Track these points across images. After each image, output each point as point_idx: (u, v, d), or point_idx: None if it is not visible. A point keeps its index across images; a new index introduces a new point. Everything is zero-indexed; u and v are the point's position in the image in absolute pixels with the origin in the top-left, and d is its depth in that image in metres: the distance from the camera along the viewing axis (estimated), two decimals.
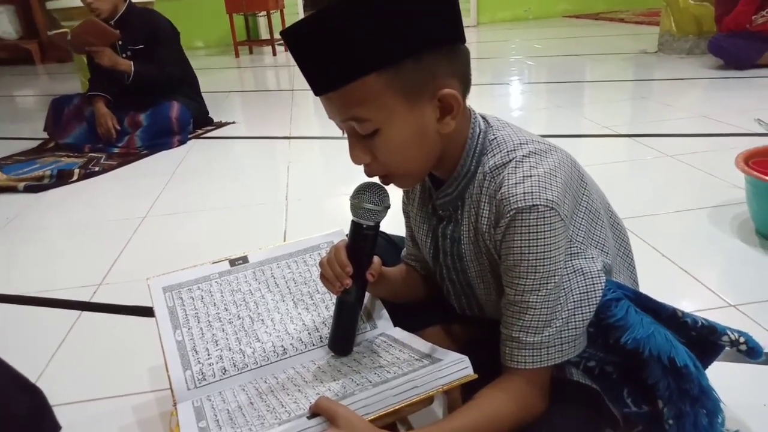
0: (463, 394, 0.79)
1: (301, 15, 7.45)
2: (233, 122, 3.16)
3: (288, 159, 2.49)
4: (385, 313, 0.93)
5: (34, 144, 2.96)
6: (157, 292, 0.95)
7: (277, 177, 2.25)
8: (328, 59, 0.62)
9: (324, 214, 1.88)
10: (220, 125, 3.09)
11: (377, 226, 0.78)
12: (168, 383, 0.84)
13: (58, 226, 1.94)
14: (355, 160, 0.69)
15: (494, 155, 0.70)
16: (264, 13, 6.14)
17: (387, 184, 0.74)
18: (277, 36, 6.19)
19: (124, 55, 2.69)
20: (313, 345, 0.90)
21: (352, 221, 0.78)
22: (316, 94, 0.67)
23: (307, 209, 1.91)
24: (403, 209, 0.90)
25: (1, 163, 2.55)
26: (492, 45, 5.54)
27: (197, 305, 0.95)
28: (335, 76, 0.62)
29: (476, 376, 0.70)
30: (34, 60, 6.81)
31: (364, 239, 0.78)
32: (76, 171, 2.38)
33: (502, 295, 0.70)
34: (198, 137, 2.90)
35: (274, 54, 6.16)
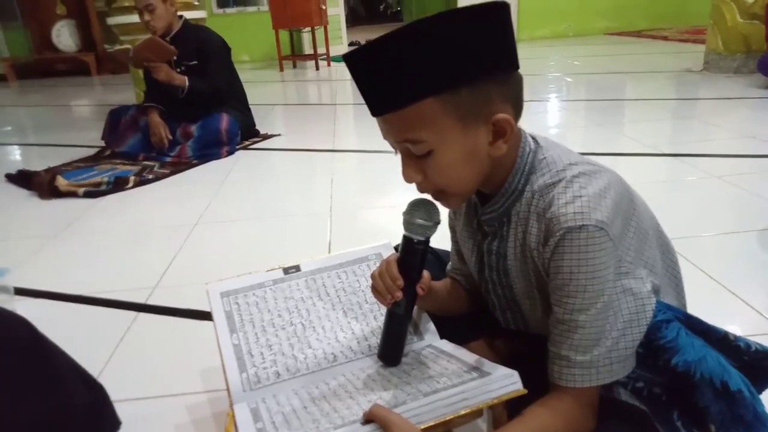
0: (508, 409, 0.81)
1: (344, 30, 7.60)
2: (279, 134, 3.25)
3: (331, 171, 2.55)
4: (431, 325, 0.95)
5: (91, 152, 3.11)
6: (215, 297, 1.00)
7: (321, 189, 2.31)
8: (388, 83, 0.65)
9: (367, 226, 1.92)
10: (266, 137, 3.19)
11: (428, 241, 0.80)
12: (224, 384, 0.89)
13: (115, 230, 2.04)
14: (408, 179, 0.72)
15: (543, 174, 0.71)
16: (308, 28, 6.29)
17: (438, 201, 0.76)
18: (320, 51, 6.34)
19: (178, 70, 2.81)
20: (362, 354, 0.93)
21: (404, 236, 0.81)
22: (374, 115, 0.70)
23: (351, 221, 1.95)
24: (450, 224, 0.93)
25: (62, 169, 2.69)
26: (531, 62, 5.54)
27: (252, 311, 0.99)
28: (394, 100, 0.66)
29: (525, 391, 0.72)
30: (91, 71, 7.15)
31: (414, 254, 0.81)
32: (132, 178, 2.49)
33: (548, 311, 0.71)
34: (245, 148, 3.00)
35: (317, 68, 6.29)
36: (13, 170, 2.71)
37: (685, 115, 3.15)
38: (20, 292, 1.51)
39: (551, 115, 3.45)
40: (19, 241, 1.96)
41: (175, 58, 2.80)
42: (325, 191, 2.26)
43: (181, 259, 1.73)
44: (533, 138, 0.75)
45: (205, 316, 1.39)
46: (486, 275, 0.83)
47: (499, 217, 0.76)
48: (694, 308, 0.82)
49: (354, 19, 8.92)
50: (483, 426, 0.92)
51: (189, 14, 3.10)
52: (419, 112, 0.65)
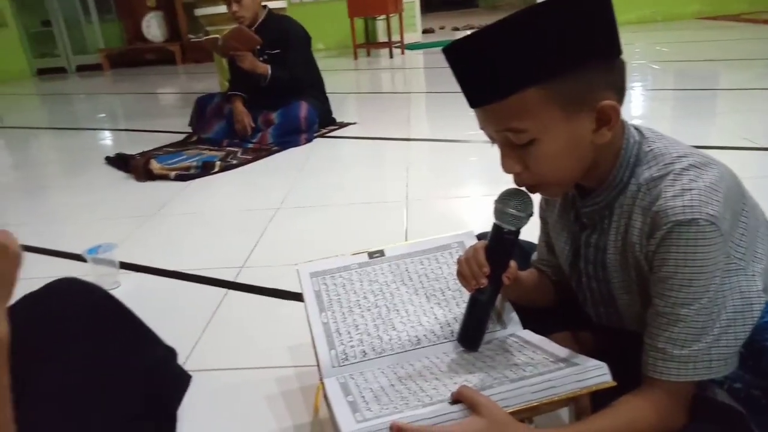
0: (592, 403, 0.80)
1: (419, 17, 7.57)
2: (354, 123, 3.31)
3: (407, 160, 2.58)
4: (515, 315, 0.96)
5: (177, 137, 3.30)
6: (305, 277, 1.05)
7: (397, 177, 2.34)
8: (489, 74, 0.66)
9: (442, 215, 1.94)
10: (343, 125, 3.26)
11: (518, 232, 0.81)
12: (310, 361, 0.94)
13: (204, 211, 2.17)
14: (507, 169, 0.72)
15: (650, 167, 0.70)
16: (383, 16, 6.32)
17: (533, 193, 0.77)
18: (394, 38, 6.35)
19: (261, 59, 2.92)
20: (445, 338, 0.95)
21: (494, 224, 0.82)
22: (473, 106, 0.71)
23: (427, 210, 1.97)
24: (541, 215, 0.93)
25: (155, 154, 2.88)
26: None
27: (339, 291, 1.04)
28: (495, 90, 0.66)
29: (615, 383, 0.71)
30: (176, 60, 7.53)
31: (503, 243, 0.82)
32: (217, 163, 2.63)
33: (647, 306, 0.71)
34: (322, 136, 3.08)
35: (391, 56, 6.31)
36: (109, 154, 2.93)
37: None
38: (124, 266, 1.65)
39: (635, 104, 3.30)
40: (120, 219, 2.13)
41: (258, 47, 2.91)
42: (401, 180, 2.29)
43: (265, 241, 1.82)
44: (637, 129, 0.74)
45: (289, 295, 1.47)
46: (581, 268, 0.82)
47: (600, 210, 0.75)
48: None
49: (428, 6, 8.85)
50: (564, 417, 0.92)
51: (270, 4, 3.20)
52: (521, 101, 0.65)
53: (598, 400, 0.75)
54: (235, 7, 2.84)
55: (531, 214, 0.80)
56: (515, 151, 0.70)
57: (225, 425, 1.05)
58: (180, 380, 1.08)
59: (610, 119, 0.67)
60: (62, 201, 2.46)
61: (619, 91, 0.69)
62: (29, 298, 0.91)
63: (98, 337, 0.91)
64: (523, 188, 0.77)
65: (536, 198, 0.84)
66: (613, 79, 0.68)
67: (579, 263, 0.82)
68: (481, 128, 0.73)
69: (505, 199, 0.79)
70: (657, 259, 0.67)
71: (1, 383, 0.55)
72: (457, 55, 0.69)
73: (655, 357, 0.68)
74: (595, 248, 0.78)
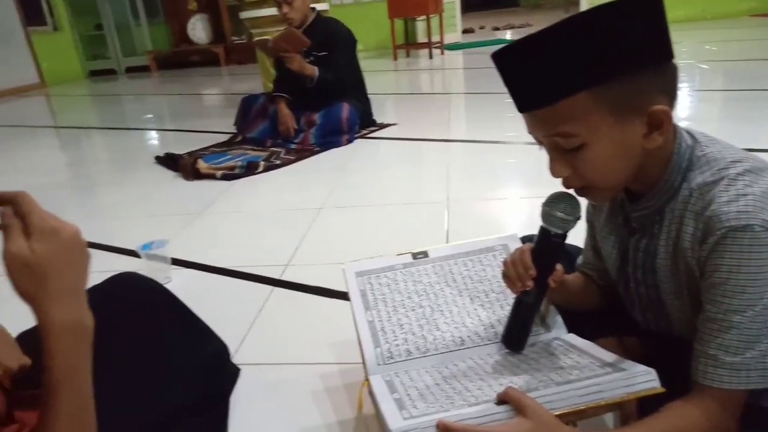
0: (638, 409, 0.80)
1: (459, 18, 7.54)
2: (395, 124, 3.33)
3: (447, 161, 2.58)
4: (559, 318, 0.97)
5: (221, 137, 3.39)
6: (351, 276, 1.08)
7: (437, 178, 2.35)
8: (539, 79, 0.67)
9: (484, 217, 1.94)
10: (383, 126, 3.29)
11: (565, 235, 0.81)
12: (354, 358, 0.96)
13: (249, 210, 2.24)
14: (555, 173, 0.73)
15: (703, 172, 0.70)
16: (423, 17, 6.33)
17: (582, 197, 0.77)
18: (434, 39, 6.35)
19: (307, 60, 2.97)
20: (489, 340, 0.96)
21: (541, 227, 0.82)
22: (522, 111, 0.72)
23: (468, 211, 1.98)
24: (588, 218, 0.92)
25: (201, 153, 2.97)
26: None
27: (384, 291, 1.06)
28: (545, 95, 0.67)
29: (663, 390, 0.71)
30: (220, 62, 7.72)
31: (550, 246, 0.82)
32: (261, 163, 2.70)
33: (698, 311, 0.70)
34: (363, 137, 3.12)
35: (431, 57, 6.31)
36: (157, 153, 3.04)
37: None
38: (174, 262, 1.71)
39: (681, 105, 3.21)
40: (170, 216, 2.21)
41: (305, 48, 2.96)
42: (441, 181, 2.30)
43: (308, 240, 1.86)
44: (689, 133, 0.74)
45: (332, 293, 1.50)
46: (629, 272, 0.82)
47: (650, 215, 0.75)
48: None
49: (468, 6, 8.80)
50: (609, 422, 0.91)
51: (313, 6, 3.25)
52: (571, 106, 0.65)
53: (644, 406, 0.75)
54: (285, 9, 2.90)
55: (579, 218, 0.80)
56: (564, 155, 0.70)
57: (272, 418, 1.08)
58: (231, 373, 1.13)
59: (661, 124, 0.67)
60: (115, 198, 2.57)
61: (670, 96, 0.68)
62: (94, 291, 0.96)
63: (158, 330, 0.96)
64: (571, 191, 0.77)
65: (583, 202, 0.85)
66: (664, 83, 0.67)
67: (627, 268, 0.82)
68: (530, 132, 0.74)
69: (552, 202, 0.79)
70: (709, 265, 0.66)
71: (87, 369, 0.59)
72: (507, 60, 0.70)
73: (705, 363, 0.68)
74: (644, 253, 0.78)
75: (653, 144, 0.68)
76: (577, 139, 0.68)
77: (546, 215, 0.80)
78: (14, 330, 0.88)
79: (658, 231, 0.75)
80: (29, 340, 0.86)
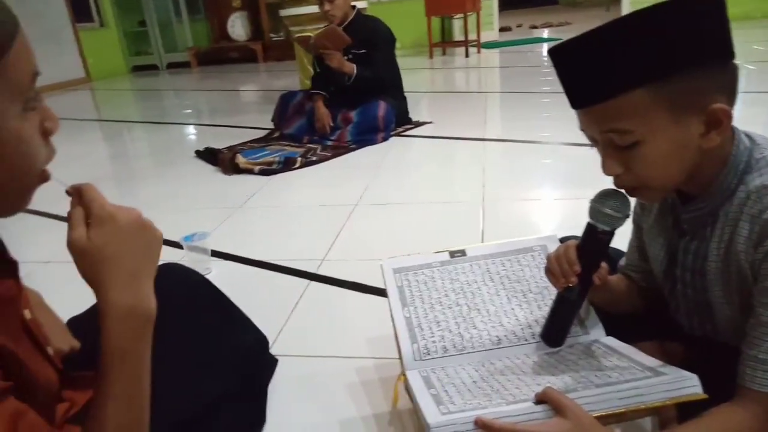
0: (678, 415, 0.79)
1: (496, 16, 7.47)
2: (430, 122, 3.33)
3: (482, 160, 2.57)
4: (598, 321, 0.96)
5: (260, 133, 3.45)
6: (388, 272, 1.09)
7: (473, 177, 2.35)
8: (597, 75, 0.67)
9: (520, 218, 1.93)
10: (418, 124, 3.29)
11: (613, 232, 0.80)
12: (389, 353, 0.97)
13: (286, 205, 2.27)
14: (607, 171, 0.72)
15: (762, 174, 0.68)
16: (460, 15, 6.29)
17: (632, 196, 0.76)
18: (471, 37, 6.31)
19: (346, 58, 3.00)
20: (526, 340, 0.96)
21: (588, 223, 0.81)
22: (577, 107, 0.72)
23: (504, 211, 1.97)
24: (634, 220, 0.91)
25: (240, 148, 3.03)
26: None
27: (421, 288, 1.07)
28: (602, 91, 0.67)
29: (706, 396, 0.70)
30: (257, 59, 7.84)
31: (597, 243, 0.81)
32: (298, 159, 2.73)
33: (747, 316, 0.69)
34: (398, 135, 3.13)
35: (467, 55, 6.27)
36: (196, 148, 3.11)
37: None
38: (213, 253, 1.76)
39: None
40: (210, 209, 2.26)
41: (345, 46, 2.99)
42: (477, 180, 2.29)
43: (343, 236, 1.88)
44: (747, 135, 0.72)
45: (367, 289, 1.52)
46: (677, 275, 0.81)
47: (703, 217, 0.74)
48: None
49: (506, 3, 8.69)
50: (647, 427, 0.90)
51: (352, 4, 3.27)
52: (628, 102, 0.65)
53: (682, 411, 0.73)
54: (327, 6, 2.93)
55: (628, 216, 0.79)
56: (617, 153, 0.70)
57: (308, 408, 1.10)
58: (270, 363, 1.15)
59: (720, 123, 0.66)
60: (156, 190, 2.64)
61: (730, 95, 0.67)
62: None
63: (202, 320, 0.99)
64: (622, 190, 0.76)
65: (631, 202, 0.83)
66: (724, 81, 0.66)
67: (675, 270, 0.81)
68: (582, 129, 0.73)
69: (602, 199, 0.79)
70: (764, 269, 0.65)
71: (141, 354, 0.61)
72: (565, 56, 0.70)
73: (754, 368, 0.67)
74: (694, 256, 0.77)
75: (710, 143, 0.67)
76: (632, 135, 0.67)
77: (594, 211, 0.80)
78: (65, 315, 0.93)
79: (710, 233, 0.74)
80: (79, 325, 0.90)
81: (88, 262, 0.59)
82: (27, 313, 0.63)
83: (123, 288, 0.60)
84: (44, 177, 0.59)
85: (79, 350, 0.84)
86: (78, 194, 0.60)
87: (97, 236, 0.58)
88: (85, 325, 0.90)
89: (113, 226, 0.59)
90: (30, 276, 0.66)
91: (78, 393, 0.80)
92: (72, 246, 0.59)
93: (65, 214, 0.60)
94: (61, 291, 0.96)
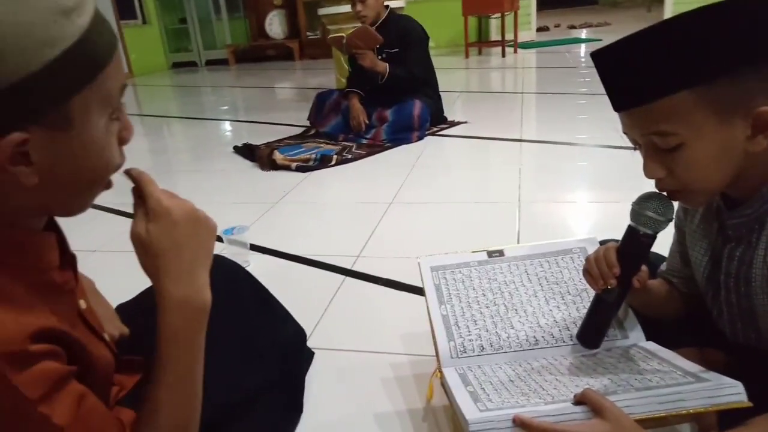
0: (718, 422, 0.78)
1: (534, 15, 7.38)
2: (465, 122, 3.33)
3: (519, 161, 2.55)
4: (637, 325, 0.95)
5: (296, 130, 3.49)
6: (426, 270, 1.10)
7: (509, 178, 2.33)
8: (641, 77, 0.66)
9: (556, 219, 1.91)
10: (454, 124, 3.29)
11: (655, 236, 0.80)
12: (424, 350, 0.98)
13: (322, 202, 2.31)
14: (649, 174, 0.72)
15: None
16: (497, 14, 6.24)
17: (675, 200, 0.76)
18: (508, 37, 6.25)
19: (380, 57, 3.02)
20: (564, 342, 0.96)
21: (629, 226, 0.81)
22: (619, 110, 0.71)
23: (540, 213, 1.96)
24: (676, 224, 0.90)
25: (277, 145, 3.08)
26: None
27: (459, 287, 1.08)
28: (646, 93, 0.66)
29: (751, 404, 0.69)
30: (294, 57, 7.93)
31: (638, 246, 0.81)
32: (334, 157, 2.77)
33: None
34: (433, 134, 3.13)
35: (503, 55, 6.22)
36: (234, 143, 3.17)
37: None
38: (252, 247, 1.80)
39: None
40: (248, 204, 2.31)
41: (378, 45, 3.01)
42: (513, 181, 2.28)
43: (378, 233, 1.90)
44: None
45: (402, 286, 1.53)
46: (720, 281, 0.80)
47: (749, 223, 0.73)
48: None
49: (544, 3, 8.56)
50: (685, 431, 0.89)
51: (390, 3, 3.29)
52: (672, 104, 0.65)
53: (722, 420, 0.72)
54: (359, 7, 2.96)
55: (671, 219, 0.78)
56: (660, 156, 0.70)
57: (344, 401, 1.13)
58: (307, 356, 1.18)
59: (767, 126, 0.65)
60: (196, 185, 2.71)
61: None
62: None
63: (244, 311, 1.02)
64: (664, 193, 0.76)
65: (674, 206, 0.83)
66: None
67: (718, 276, 0.80)
68: (625, 132, 0.73)
69: (644, 202, 0.78)
70: None
71: (194, 345, 0.64)
72: (608, 58, 0.70)
73: None
74: (739, 262, 0.76)
75: (757, 147, 0.66)
76: (675, 138, 0.67)
77: (635, 214, 0.80)
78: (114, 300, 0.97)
79: (756, 240, 0.72)
80: (126, 311, 0.94)
81: (147, 256, 0.62)
82: (82, 303, 0.66)
83: (179, 279, 0.62)
84: (109, 184, 0.62)
85: (129, 336, 0.88)
86: (137, 183, 0.63)
87: (155, 231, 0.61)
88: (132, 311, 0.94)
89: (168, 220, 0.62)
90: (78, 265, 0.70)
91: (127, 377, 0.83)
92: (133, 239, 0.62)
93: (110, 206, 0.64)
94: (107, 279, 1.00)
